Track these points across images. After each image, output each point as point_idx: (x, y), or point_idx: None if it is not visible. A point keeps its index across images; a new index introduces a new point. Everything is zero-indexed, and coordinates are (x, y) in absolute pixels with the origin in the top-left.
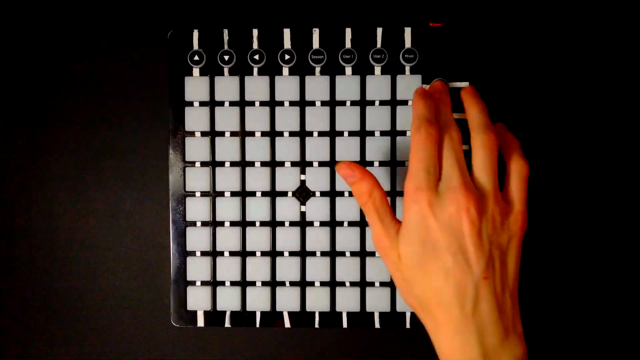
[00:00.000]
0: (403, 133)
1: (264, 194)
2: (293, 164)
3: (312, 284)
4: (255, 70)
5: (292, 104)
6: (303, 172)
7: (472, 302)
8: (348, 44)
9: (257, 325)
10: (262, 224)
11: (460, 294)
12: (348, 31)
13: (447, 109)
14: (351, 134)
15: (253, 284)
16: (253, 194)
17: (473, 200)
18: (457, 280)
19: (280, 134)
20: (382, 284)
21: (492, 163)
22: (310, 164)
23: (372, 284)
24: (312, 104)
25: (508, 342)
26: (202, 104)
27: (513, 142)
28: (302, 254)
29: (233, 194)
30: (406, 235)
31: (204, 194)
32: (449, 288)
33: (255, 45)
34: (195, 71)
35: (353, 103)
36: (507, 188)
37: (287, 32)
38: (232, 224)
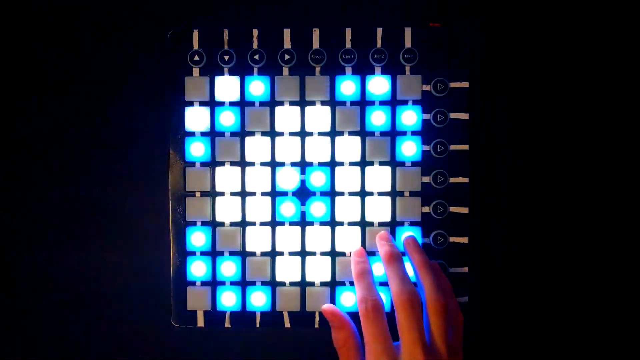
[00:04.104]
0: (403, 133)
1: (264, 194)
2: (293, 164)
3: (312, 284)
4: (255, 70)
5: (292, 104)
6: (303, 172)
7: None
8: (348, 44)
9: (257, 325)
10: (262, 224)
11: None
12: (348, 31)
13: (394, 276)
14: (351, 134)
15: (253, 283)
16: (253, 194)
17: None
18: None
19: (280, 134)
20: (382, 284)
21: (447, 327)
22: (310, 164)
23: None
24: (312, 104)
25: None
26: (202, 104)
27: (448, 289)
28: (302, 254)
29: (233, 194)
30: None
31: (204, 194)
32: None
33: (255, 45)
34: (195, 71)
35: (353, 103)
36: (450, 343)
37: (287, 32)
38: (232, 223)
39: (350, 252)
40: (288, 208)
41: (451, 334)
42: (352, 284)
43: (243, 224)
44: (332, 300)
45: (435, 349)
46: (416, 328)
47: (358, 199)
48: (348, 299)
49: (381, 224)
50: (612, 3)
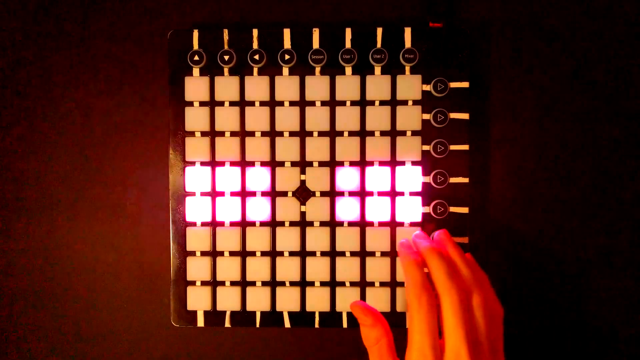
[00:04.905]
0: (403, 133)
1: (264, 194)
2: (293, 164)
3: (312, 284)
4: (255, 70)
5: (292, 104)
6: (303, 172)
7: None
8: (348, 44)
9: (257, 325)
10: (262, 224)
11: None
12: (348, 31)
13: (441, 269)
14: (351, 134)
15: (253, 284)
16: (253, 194)
17: None
18: None
19: (280, 134)
20: (382, 284)
21: (486, 321)
22: (310, 164)
23: (372, 284)
24: (312, 104)
25: None
26: (202, 104)
27: (484, 281)
28: (302, 254)
29: (233, 194)
30: None
31: (204, 194)
32: None
33: (255, 45)
34: (195, 71)
35: (353, 103)
36: (489, 334)
37: (287, 32)
38: (232, 224)
39: (400, 246)
40: (288, 208)
41: (490, 328)
42: (352, 284)
43: (243, 224)
44: (332, 300)
45: (479, 348)
46: (462, 326)
47: (358, 199)
48: (348, 299)
49: (381, 224)
50: (613, 3)
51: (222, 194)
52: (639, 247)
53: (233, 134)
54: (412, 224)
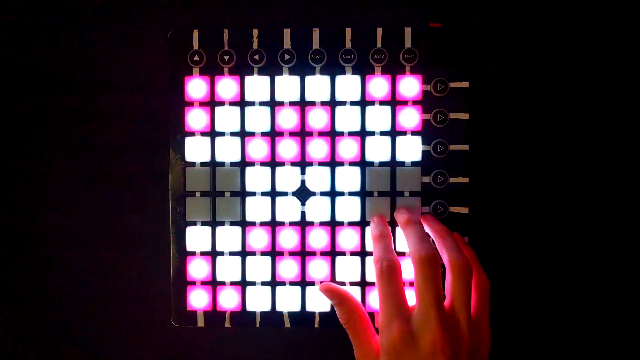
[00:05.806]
0: (403, 133)
1: (264, 194)
2: (293, 164)
3: (312, 284)
4: (255, 70)
5: (292, 104)
6: (303, 172)
7: None
8: (348, 44)
9: (257, 325)
10: (262, 224)
11: None
12: (348, 31)
13: (416, 236)
14: (351, 134)
15: (253, 284)
16: (253, 194)
17: (449, 341)
18: None
19: (280, 134)
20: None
21: (468, 290)
22: (310, 164)
23: (372, 284)
24: (312, 104)
25: None
26: (202, 104)
27: (472, 256)
28: (302, 254)
29: (233, 194)
30: None
31: (204, 194)
32: None
33: (255, 45)
34: (195, 71)
35: (353, 103)
36: (473, 306)
37: (287, 32)
38: (232, 224)
39: (372, 219)
40: (288, 208)
41: (474, 299)
42: (352, 283)
43: (243, 223)
44: None
45: (452, 313)
46: (433, 289)
47: (358, 199)
48: None
49: None
50: (613, 3)
51: (222, 194)
52: (639, 247)
53: (233, 134)
54: None
